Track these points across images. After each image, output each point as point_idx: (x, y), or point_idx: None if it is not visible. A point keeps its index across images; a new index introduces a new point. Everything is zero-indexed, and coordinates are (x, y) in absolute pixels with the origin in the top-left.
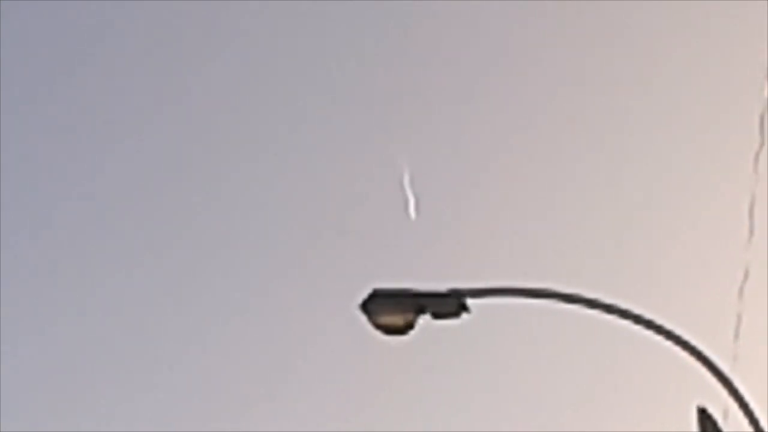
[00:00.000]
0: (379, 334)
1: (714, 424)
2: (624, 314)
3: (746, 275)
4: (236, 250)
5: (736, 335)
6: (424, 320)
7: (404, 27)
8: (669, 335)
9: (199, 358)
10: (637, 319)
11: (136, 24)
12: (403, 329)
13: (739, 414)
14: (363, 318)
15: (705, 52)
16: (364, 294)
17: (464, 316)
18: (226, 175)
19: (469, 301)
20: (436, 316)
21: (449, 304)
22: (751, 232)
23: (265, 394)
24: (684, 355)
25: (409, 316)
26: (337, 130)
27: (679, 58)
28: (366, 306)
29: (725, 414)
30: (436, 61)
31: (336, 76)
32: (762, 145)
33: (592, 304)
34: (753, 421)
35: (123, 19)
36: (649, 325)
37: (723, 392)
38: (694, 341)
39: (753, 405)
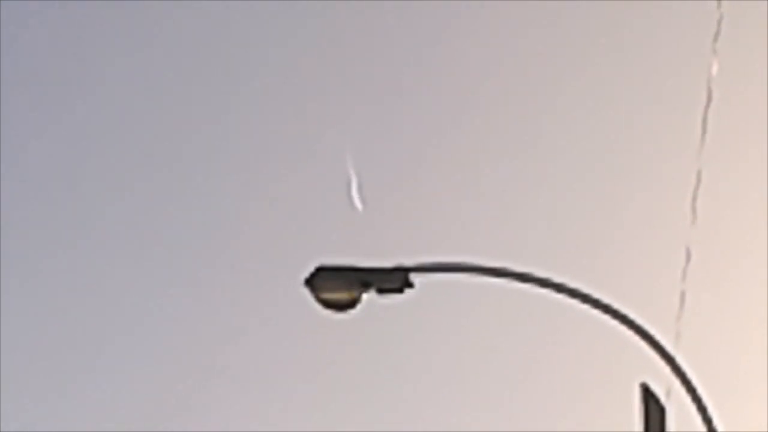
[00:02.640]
0: (323, 310)
1: (657, 401)
2: (568, 292)
3: (689, 253)
4: (182, 227)
5: (680, 314)
6: (369, 296)
7: (348, 18)
8: (613, 313)
9: (143, 336)
10: (582, 297)
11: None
12: (347, 305)
13: (682, 392)
14: (308, 294)
15: (650, 35)
16: (309, 270)
17: (409, 291)
18: (178, 155)
19: (414, 277)
20: (381, 291)
21: (394, 279)
22: (694, 211)
23: (209, 371)
24: (627, 333)
25: (354, 292)
26: (284, 111)
27: (623, 41)
28: (311, 282)
29: (668, 392)
30: (377, 49)
31: (281, 62)
32: (706, 126)
33: (535, 281)
34: (696, 399)
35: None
36: (593, 302)
37: (666, 370)
38: (637, 319)
39: (696, 383)
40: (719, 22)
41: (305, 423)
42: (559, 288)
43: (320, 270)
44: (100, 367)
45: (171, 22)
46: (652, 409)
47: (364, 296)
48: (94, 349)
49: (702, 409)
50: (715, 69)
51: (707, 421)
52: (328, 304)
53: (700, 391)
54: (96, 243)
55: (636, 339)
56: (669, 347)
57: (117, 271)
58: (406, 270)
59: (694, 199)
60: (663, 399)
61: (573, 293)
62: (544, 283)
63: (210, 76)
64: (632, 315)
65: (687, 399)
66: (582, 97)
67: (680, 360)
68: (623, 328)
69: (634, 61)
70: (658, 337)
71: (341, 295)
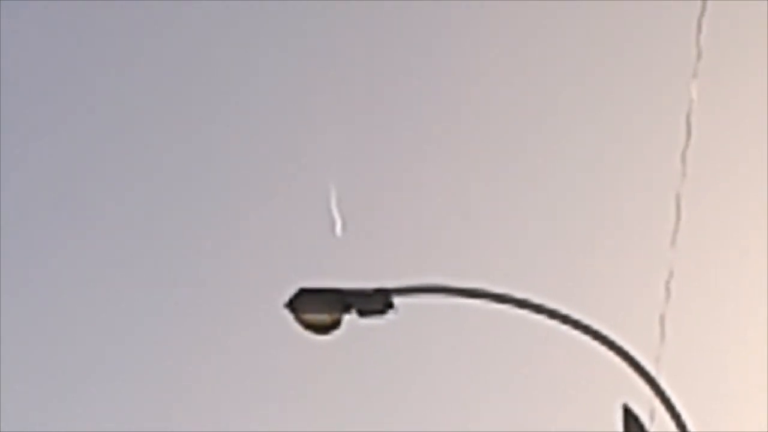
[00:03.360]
0: (305, 332)
1: (639, 423)
2: (550, 313)
3: (671, 275)
4: (165, 250)
5: (662, 336)
6: (350, 318)
7: (326, 42)
8: (595, 335)
9: (126, 358)
10: (563, 318)
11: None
12: (329, 327)
13: (665, 414)
14: (289, 316)
15: (632, 50)
16: (291, 292)
17: (390, 314)
18: (163, 178)
19: (395, 300)
20: (363, 314)
21: (375, 302)
22: (676, 231)
23: (191, 392)
24: (610, 354)
25: (336, 314)
26: (266, 135)
27: (606, 55)
28: (293, 304)
29: (651, 414)
30: (358, 75)
31: (263, 87)
32: (688, 143)
33: (517, 302)
34: (678, 421)
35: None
36: (574, 324)
37: (648, 392)
38: (619, 341)
39: (678, 405)
40: (699, 50)
41: None
42: (541, 309)
43: (302, 292)
44: (80, 390)
45: (142, 45)
46: (634, 430)
47: (346, 318)
48: (74, 367)
49: (684, 431)
50: (695, 95)
51: None
52: (309, 326)
53: (682, 412)
54: (84, 256)
55: (618, 361)
56: (651, 369)
57: (99, 293)
58: (387, 292)
59: (675, 223)
60: (645, 421)
61: (555, 315)
62: (525, 304)
63: (194, 100)
64: (614, 337)
65: (669, 421)
66: (563, 120)
67: (662, 382)
68: (605, 350)
69: (615, 88)
70: (640, 358)
71: (323, 317)
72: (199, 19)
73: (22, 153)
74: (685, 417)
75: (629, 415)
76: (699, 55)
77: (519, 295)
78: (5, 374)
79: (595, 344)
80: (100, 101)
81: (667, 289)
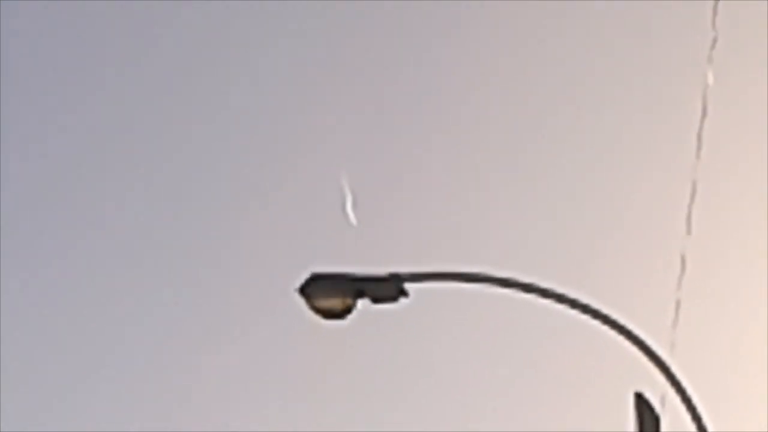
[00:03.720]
0: (317, 318)
1: (651, 409)
2: (562, 299)
3: (684, 261)
4: (177, 235)
5: (675, 322)
6: (363, 304)
7: (341, 31)
8: (607, 321)
9: (136, 343)
10: (577, 305)
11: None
12: (341, 313)
13: (677, 400)
14: (302, 302)
15: (649, 36)
16: (303, 278)
17: (403, 300)
18: (174, 163)
19: (408, 286)
20: (375, 300)
21: (388, 288)
22: (690, 219)
23: (203, 378)
24: (622, 341)
25: (348, 300)
26: (279, 122)
27: (623, 41)
28: (305, 290)
29: (663, 400)
30: (371, 62)
31: (276, 73)
32: (703, 128)
33: (529, 289)
34: (690, 407)
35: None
36: (587, 310)
37: (661, 379)
38: (632, 328)
39: (690, 392)
40: (714, 34)
41: (298, 430)
42: (554, 296)
43: (314, 278)
44: (91, 377)
45: (158, 37)
46: (647, 417)
47: (358, 304)
48: (84, 356)
49: (696, 417)
50: (710, 80)
51: (702, 429)
52: (321, 312)
53: (695, 399)
54: (90, 249)
55: (631, 347)
56: (664, 356)
57: (109, 280)
58: (400, 278)
59: (690, 209)
60: (658, 407)
61: (568, 301)
62: (539, 291)
63: (206, 86)
64: (627, 324)
65: (682, 407)
66: (577, 108)
67: (675, 368)
68: (618, 337)
69: (631, 72)
70: (653, 345)
71: (335, 303)
72: (211, 16)
73: (22, 153)
74: (698, 403)
75: (642, 402)
76: (714, 41)
77: (532, 281)
78: (5, 374)
79: (609, 331)
80: (117, 98)
81: (681, 275)
